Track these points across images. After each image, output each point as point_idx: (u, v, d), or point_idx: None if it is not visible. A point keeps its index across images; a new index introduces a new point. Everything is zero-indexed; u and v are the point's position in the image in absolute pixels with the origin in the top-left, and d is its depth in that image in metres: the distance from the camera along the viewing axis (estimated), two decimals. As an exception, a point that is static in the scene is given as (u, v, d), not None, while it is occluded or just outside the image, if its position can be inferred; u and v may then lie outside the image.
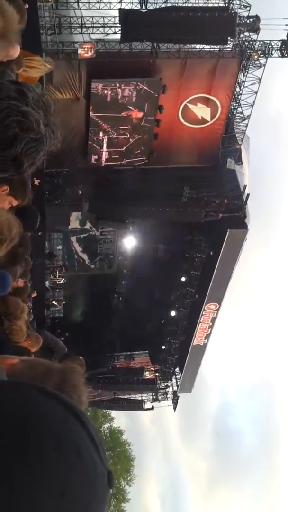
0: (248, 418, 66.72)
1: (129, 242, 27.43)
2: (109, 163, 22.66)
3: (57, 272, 26.20)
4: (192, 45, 19.89)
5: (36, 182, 16.55)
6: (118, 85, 19.88)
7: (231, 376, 66.26)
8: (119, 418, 46.40)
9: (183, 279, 25.46)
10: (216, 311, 24.85)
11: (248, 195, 21.42)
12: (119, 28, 19.31)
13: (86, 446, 0.96)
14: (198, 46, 19.89)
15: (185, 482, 66.86)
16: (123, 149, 22.18)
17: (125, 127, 21.42)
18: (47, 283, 25.45)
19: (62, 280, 26.73)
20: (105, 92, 19.99)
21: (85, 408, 1.94)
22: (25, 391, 1.07)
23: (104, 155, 22.29)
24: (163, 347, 28.47)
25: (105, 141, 21.76)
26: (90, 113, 20.50)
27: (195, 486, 65.28)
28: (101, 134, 21.44)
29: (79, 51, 18.73)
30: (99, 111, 20.62)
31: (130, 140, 21.85)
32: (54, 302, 26.83)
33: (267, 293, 53.54)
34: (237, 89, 20.74)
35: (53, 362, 1.94)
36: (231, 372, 65.01)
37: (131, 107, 20.71)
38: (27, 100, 1.74)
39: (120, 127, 21.37)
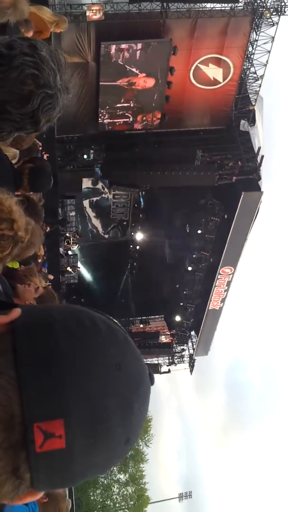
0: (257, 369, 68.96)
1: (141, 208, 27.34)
2: (119, 127, 22.44)
3: (71, 238, 26.19)
4: (203, 4, 19.27)
5: (45, 156, 16.45)
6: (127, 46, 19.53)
7: (243, 334, 67.73)
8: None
9: (197, 243, 25.38)
10: (231, 275, 24.81)
11: (262, 157, 21.12)
12: (128, -11, 18.84)
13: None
14: (208, 5, 19.24)
15: (199, 436, 70.19)
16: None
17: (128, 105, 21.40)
18: (61, 249, 25.54)
19: (76, 246, 26.76)
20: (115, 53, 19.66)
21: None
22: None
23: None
24: (178, 311, 28.54)
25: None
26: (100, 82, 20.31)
27: (208, 438, 68.32)
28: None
29: (88, 13, 18.33)
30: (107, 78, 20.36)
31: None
32: (69, 268, 26.90)
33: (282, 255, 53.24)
34: (250, 49, 20.16)
35: None
36: (242, 331, 66.44)
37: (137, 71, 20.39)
38: (41, 55, 1.76)
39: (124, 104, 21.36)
